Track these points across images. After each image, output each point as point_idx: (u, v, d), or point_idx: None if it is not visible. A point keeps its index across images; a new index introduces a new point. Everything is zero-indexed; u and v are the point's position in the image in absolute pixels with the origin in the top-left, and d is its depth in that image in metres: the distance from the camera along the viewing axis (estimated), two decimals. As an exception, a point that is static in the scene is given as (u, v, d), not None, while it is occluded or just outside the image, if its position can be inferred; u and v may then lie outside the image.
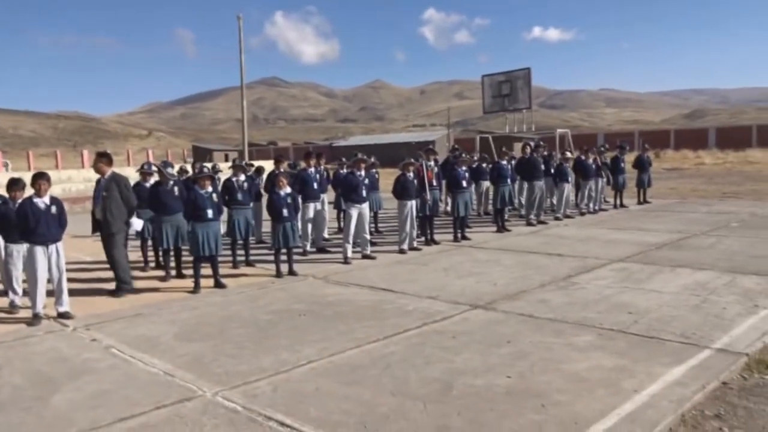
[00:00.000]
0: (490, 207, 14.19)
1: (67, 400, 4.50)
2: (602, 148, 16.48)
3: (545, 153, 14.49)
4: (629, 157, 17.62)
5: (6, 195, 7.35)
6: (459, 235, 11.36)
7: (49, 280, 6.76)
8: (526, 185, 13.58)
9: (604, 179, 15.50)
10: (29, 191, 6.94)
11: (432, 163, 11.53)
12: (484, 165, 14.58)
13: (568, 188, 14.16)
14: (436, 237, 11.22)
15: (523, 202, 13.98)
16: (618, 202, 16.05)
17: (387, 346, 5.49)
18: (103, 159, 8.12)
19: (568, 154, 14.77)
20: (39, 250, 6.61)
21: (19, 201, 6.93)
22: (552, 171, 14.00)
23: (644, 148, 17.58)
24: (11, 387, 4.81)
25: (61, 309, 6.81)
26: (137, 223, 8.28)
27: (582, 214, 14.50)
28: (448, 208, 13.35)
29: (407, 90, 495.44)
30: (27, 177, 7.56)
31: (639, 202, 16.53)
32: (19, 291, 7.26)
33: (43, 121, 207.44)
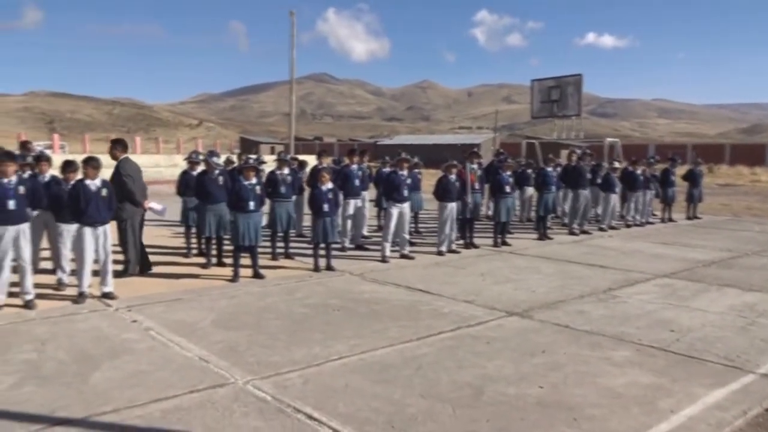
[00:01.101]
0: (533, 214, 14.01)
1: (106, 378, 4.63)
2: (652, 160, 16.08)
3: (592, 162, 14.20)
4: (680, 170, 17.14)
5: (60, 176, 7.61)
6: (499, 240, 11.24)
7: (96, 261, 6.97)
8: (570, 193, 13.35)
9: (653, 191, 15.12)
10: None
11: (475, 166, 11.45)
12: (529, 171, 14.40)
13: (615, 199, 13.86)
14: (476, 241, 11.13)
15: (567, 210, 13.75)
16: (666, 215, 15.63)
17: (420, 347, 5.48)
18: (117, 146, 8.13)
19: (617, 164, 14.45)
20: (88, 231, 6.82)
21: (72, 182, 7.16)
22: (599, 180, 13.72)
23: (697, 162, 17.08)
24: (55, 362, 4.97)
25: (106, 289, 7.01)
26: (158, 208, 8.24)
27: (628, 226, 14.17)
28: (490, 213, 13.24)
29: (455, 91, 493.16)
30: (74, 159, 7.83)
31: (688, 217, 16.07)
32: (67, 269, 7.50)
33: (100, 107, 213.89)
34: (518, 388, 4.53)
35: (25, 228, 6.60)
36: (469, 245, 10.95)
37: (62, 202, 7.19)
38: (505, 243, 11.26)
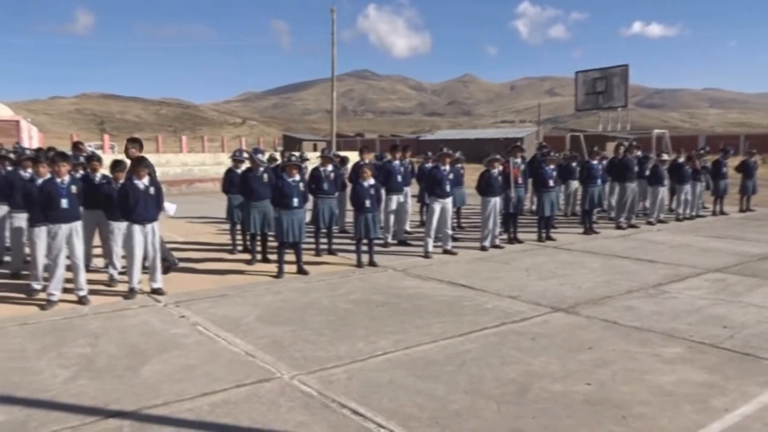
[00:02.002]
0: (578, 208, 13.76)
1: (156, 372, 4.75)
2: (702, 151, 15.58)
3: (640, 154, 13.84)
4: (733, 162, 16.56)
5: (110, 175, 7.83)
6: (543, 235, 11.08)
7: (145, 258, 7.15)
8: (617, 187, 13.06)
9: (703, 184, 14.66)
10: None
11: (518, 160, 11.30)
12: (574, 164, 14.14)
13: (663, 192, 13.49)
14: (520, 236, 11.00)
15: (614, 204, 13.46)
16: (718, 208, 15.14)
17: (463, 343, 5.45)
18: (135, 144, 8.10)
19: (665, 156, 14.05)
20: (137, 229, 7.00)
21: (121, 182, 7.36)
22: (647, 173, 13.37)
23: (750, 153, 16.48)
24: (107, 355, 5.13)
25: (155, 285, 7.19)
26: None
27: (678, 219, 13.78)
28: (534, 207, 13.06)
29: (497, 85, 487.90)
30: (123, 159, 8.00)
31: (741, 210, 15.53)
32: (118, 266, 7.72)
33: (148, 107, 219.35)
34: (564, 385, 4.45)
35: (77, 226, 6.82)
36: (513, 240, 10.83)
37: (113, 201, 7.39)
38: (549, 238, 11.10)
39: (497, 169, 10.27)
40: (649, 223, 13.14)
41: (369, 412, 3.99)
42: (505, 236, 10.84)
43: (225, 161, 24.16)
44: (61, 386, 4.47)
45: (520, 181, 10.98)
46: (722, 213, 15.01)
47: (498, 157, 10.55)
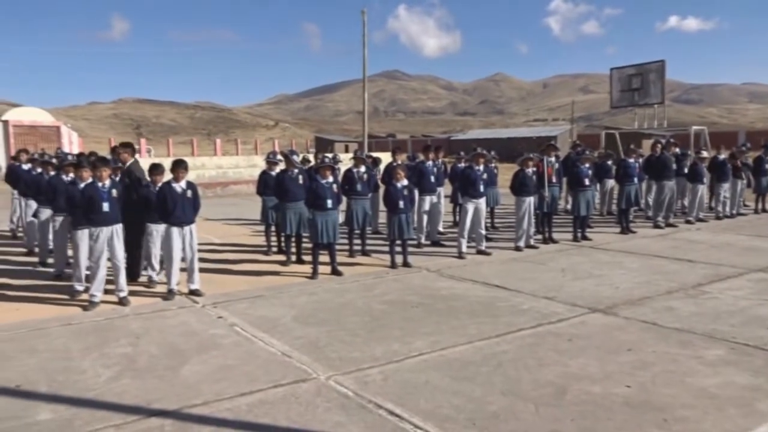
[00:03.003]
0: (614, 207, 13.54)
1: (195, 372, 4.83)
2: (743, 148, 15.18)
3: (677, 151, 13.56)
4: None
5: (148, 179, 7.98)
6: (579, 234, 10.94)
7: (183, 259, 7.28)
8: (654, 185, 12.82)
9: (744, 181, 14.29)
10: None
11: (553, 159, 11.18)
12: (609, 162, 13.92)
13: (703, 190, 13.19)
14: (555, 236, 10.88)
15: (651, 202, 13.21)
16: (760, 206, 14.74)
17: (499, 344, 5.41)
18: (127, 149, 8.26)
19: (704, 153, 13.73)
20: (175, 231, 7.14)
21: (159, 185, 7.50)
22: (685, 171, 13.09)
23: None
24: (148, 355, 5.24)
25: (193, 286, 7.31)
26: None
27: (718, 218, 13.45)
28: (568, 207, 12.91)
29: (529, 83, 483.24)
30: (167, 162, 8.15)
31: (785, 208, 15.08)
32: (157, 267, 7.86)
33: (182, 111, 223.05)
34: (604, 387, 4.39)
35: (118, 229, 6.98)
36: (548, 240, 10.71)
37: (151, 204, 7.54)
38: (585, 237, 10.95)
39: (531, 168, 10.18)
40: (688, 221, 12.87)
41: (405, 413, 3.99)
42: (539, 236, 10.73)
43: (259, 163, 24.47)
44: (105, 385, 4.58)
45: (554, 180, 10.87)
46: (764, 211, 14.62)
47: (532, 156, 10.45)
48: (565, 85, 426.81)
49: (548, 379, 4.57)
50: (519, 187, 10.08)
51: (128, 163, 8.09)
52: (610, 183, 14.00)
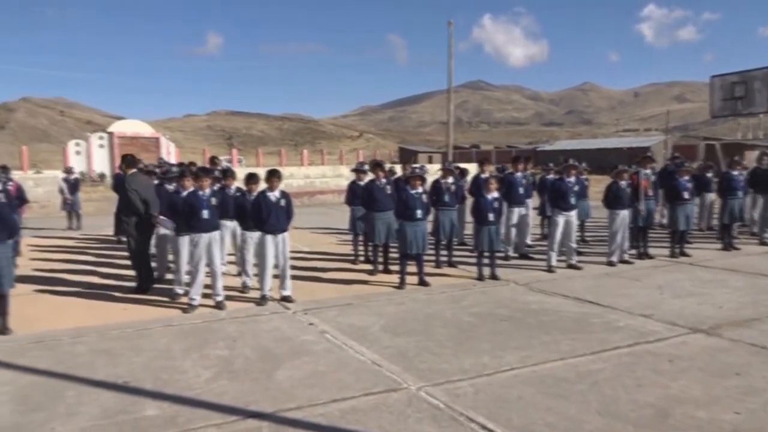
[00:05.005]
0: (715, 222, 12.82)
1: (288, 376, 4.96)
2: None
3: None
4: None
5: (244, 188, 8.30)
6: (677, 250, 10.42)
7: (276, 266, 7.50)
8: (760, 199, 12.04)
9: None
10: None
11: (649, 171, 10.74)
12: (709, 174, 13.21)
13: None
14: (651, 251, 10.42)
15: (756, 218, 12.41)
16: None
17: (594, 362, 5.23)
18: (125, 161, 8.57)
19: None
20: (269, 239, 7.37)
21: (254, 194, 7.78)
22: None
23: None
24: (244, 358, 5.43)
25: (285, 293, 7.52)
26: (166, 223, 7.99)
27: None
28: (664, 221, 12.35)
29: (619, 92, 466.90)
30: (256, 172, 8.47)
31: None
32: (251, 273, 8.14)
33: (271, 122, 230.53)
34: (710, 413, 4.15)
35: (216, 236, 7.30)
36: (643, 255, 10.27)
37: (246, 212, 7.83)
38: (683, 253, 10.42)
39: (625, 180, 9.82)
40: (799, 239, 11.99)
41: (498, 428, 3.93)
42: (634, 251, 10.31)
43: (345, 173, 24.94)
44: (204, 385, 4.78)
45: (650, 193, 10.43)
46: None
47: (626, 168, 10.08)
48: (659, 94, 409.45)
49: (648, 401, 4.37)
50: (613, 199, 9.74)
51: (128, 174, 8.33)
52: (711, 197, 13.28)
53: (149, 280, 8.27)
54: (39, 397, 4.58)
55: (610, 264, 9.67)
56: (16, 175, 15.53)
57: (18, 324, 6.38)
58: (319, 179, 25.97)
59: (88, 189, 24.52)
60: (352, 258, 10.30)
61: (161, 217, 8.07)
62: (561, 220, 9.36)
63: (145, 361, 5.36)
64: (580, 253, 10.09)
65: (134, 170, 8.52)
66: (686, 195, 10.42)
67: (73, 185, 16.11)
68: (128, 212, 8.16)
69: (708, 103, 22.07)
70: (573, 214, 9.52)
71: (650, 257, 10.24)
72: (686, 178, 10.69)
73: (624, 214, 9.74)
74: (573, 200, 9.43)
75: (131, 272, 8.50)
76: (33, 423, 4.14)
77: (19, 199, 10.51)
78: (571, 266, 9.41)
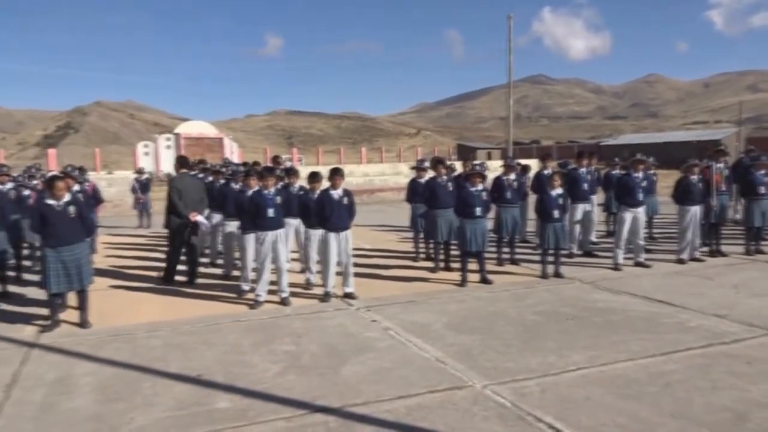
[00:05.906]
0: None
1: (354, 372, 5.02)
2: None
3: None
4: None
5: (307, 186, 8.44)
6: (753, 247, 9.97)
7: (339, 263, 7.60)
8: None
9: None
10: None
11: (721, 165, 10.31)
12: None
13: None
14: (724, 248, 10.00)
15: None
16: None
17: (666, 363, 5.08)
18: (177, 162, 9.13)
19: None
20: (332, 236, 7.48)
21: (318, 192, 7.90)
22: None
23: None
24: (310, 354, 5.53)
25: (348, 290, 7.62)
26: (203, 221, 8.86)
27: None
28: (738, 216, 11.84)
29: (687, 83, 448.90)
30: (318, 171, 8.60)
31: None
32: (314, 270, 8.28)
33: (329, 121, 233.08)
34: (793, 418, 3.97)
35: (281, 233, 7.45)
36: (716, 253, 9.88)
37: (309, 210, 7.96)
38: (759, 251, 9.96)
39: (696, 175, 9.46)
40: None
41: (567, 429, 3.87)
42: (706, 248, 9.93)
43: (403, 171, 24.95)
44: (273, 380, 4.90)
45: (723, 187, 10.02)
46: None
47: (698, 162, 9.72)
48: (730, 84, 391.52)
49: (724, 404, 4.21)
50: (683, 195, 9.41)
51: (176, 174, 8.99)
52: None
53: (193, 274, 8.78)
54: (118, 388, 4.81)
55: (680, 262, 9.35)
56: (90, 175, 16.31)
57: (96, 318, 6.71)
58: (378, 177, 26.08)
59: (156, 188, 25.43)
60: (413, 255, 10.32)
61: (198, 217, 8.63)
62: (628, 216, 9.11)
63: (216, 356, 5.54)
64: (648, 251, 9.78)
65: (184, 171, 9.00)
66: (763, 190, 9.95)
67: (145, 185, 16.77)
68: (169, 209, 8.70)
69: (785, 92, 20.90)
70: (641, 211, 9.23)
71: (723, 255, 9.83)
72: (763, 171, 10.20)
73: (695, 210, 9.39)
74: (641, 196, 9.15)
75: (199, 269, 8.80)
76: (113, 412, 4.35)
77: (94, 198, 11.03)
78: (638, 264, 9.14)
